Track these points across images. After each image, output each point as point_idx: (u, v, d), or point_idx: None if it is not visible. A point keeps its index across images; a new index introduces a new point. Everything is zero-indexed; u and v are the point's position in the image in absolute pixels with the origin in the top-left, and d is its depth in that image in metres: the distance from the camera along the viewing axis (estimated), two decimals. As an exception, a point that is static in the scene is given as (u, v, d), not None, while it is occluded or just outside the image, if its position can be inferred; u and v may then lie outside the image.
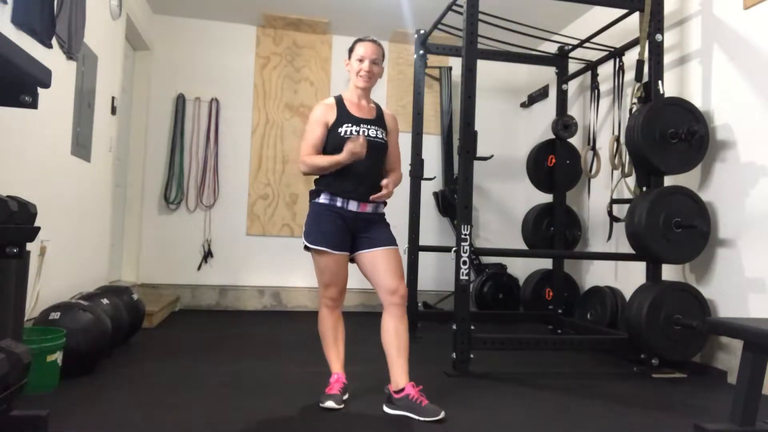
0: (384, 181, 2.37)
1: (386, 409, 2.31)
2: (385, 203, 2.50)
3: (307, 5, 4.89)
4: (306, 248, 2.41)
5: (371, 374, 2.75)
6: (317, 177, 2.45)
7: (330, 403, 2.25)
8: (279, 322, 4.60)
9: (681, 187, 3.19)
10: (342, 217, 2.36)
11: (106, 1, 3.81)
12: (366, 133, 2.38)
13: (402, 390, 2.27)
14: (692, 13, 3.50)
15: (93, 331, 2.63)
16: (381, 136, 2.45)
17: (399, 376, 2.30)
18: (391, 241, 2.42)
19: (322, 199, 2.39)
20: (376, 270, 2.37)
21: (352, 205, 2.37)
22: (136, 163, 5.01)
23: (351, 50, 2.46)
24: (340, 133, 2.37)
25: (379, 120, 2.49)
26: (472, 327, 3.04)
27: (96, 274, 3.88)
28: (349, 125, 2.39)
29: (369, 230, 2.41)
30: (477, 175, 4.92)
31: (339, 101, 2.46)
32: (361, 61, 2.41)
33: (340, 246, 2.36)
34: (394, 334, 2.33)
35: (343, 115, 2.42)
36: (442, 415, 2.19)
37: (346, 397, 2.38)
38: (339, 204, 2.37)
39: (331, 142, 2.38)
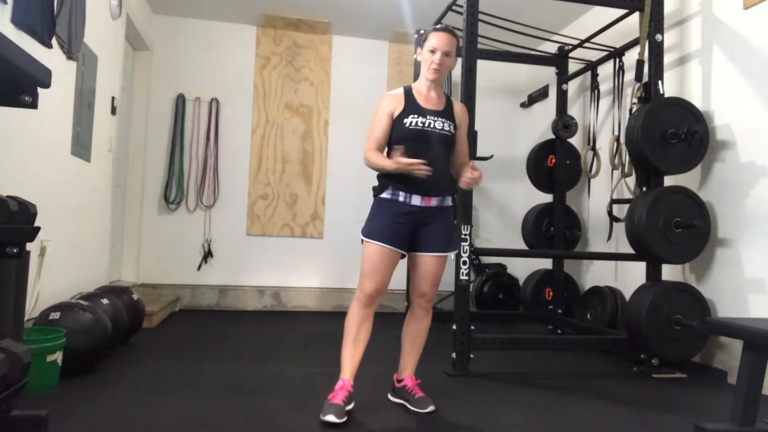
0: (472, 173, 2.29)
1: (390, 396, 2.48)
2: (454, 197, 2.45)
3: (307, 5, 4.89)
4: (362, 242, 2.34)
5: (370, 375, 2.75)
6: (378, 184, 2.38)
7: (330, 417, 2.08)
8: (279, 322, 4.59)
9: (681, 187, 3.19)
10: (403, 213, 2.28)
11: (106, 1, 3.81)
12: (432, 125, 2.30)
13: (402, 380, 2.43)
14: (692, 13, 3.50)
15: (93, 331, 2.63)
16: (448, 129, 2.34)
17: (405, 366, 2.46)
18: (446, 245, 2.37)
19: (385, 194, 2.30)
20: (420, 274, 2.37)
21: (416, 200, 2.28)
22: (136, 163, 5.01)
23: (424, 40, 2.36)
24: (406, 124, 2.29)
25: (447, 111, 2.39)
26: (472, 327, 3.04)
27: (96, 274, 3.88)
28: (416, 116, 2.30)
29: (430, 229, 2.33)
30: (477, 175, 4.94)
31: (407, 92, 2.38)
32: (433, 52, 2.31)
33: (391, 242, 2.27)
34: (413, 331, 2.46)
35: (411, 106, 2.33)
36: (431, 408, 2.31)
37: (350, 407, 2.21)
38: (401, 199, 2.28)
39: (396, 133, 2.32)
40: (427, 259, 2.34)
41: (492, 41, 4.15)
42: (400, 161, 2.17)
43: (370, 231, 2.30)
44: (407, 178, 2.24)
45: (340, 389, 2.21)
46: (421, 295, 2.40)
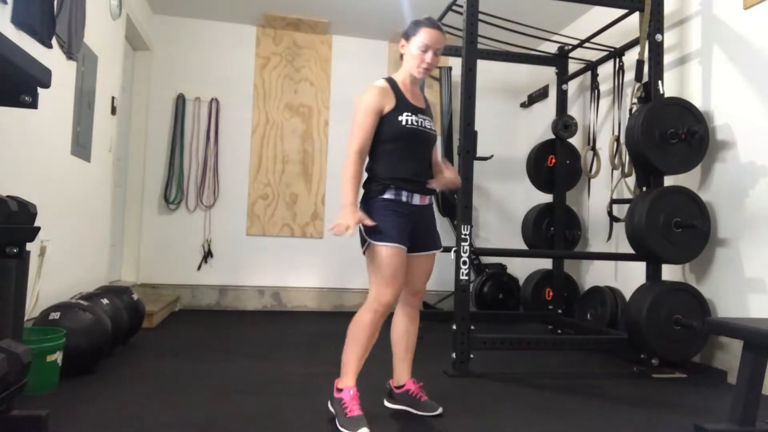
0: (452, 171, 2.36)
1: (387, 403, 2.37)
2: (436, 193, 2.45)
3: (307, 5, 4.89)
4: (364, 247, 2.19)
5: (369, 374, 2.75)
6: (376, 167, 2.22)
7: (365, 431, 1.98)
8: (279, 322, 4.60)
9: (681, 187, 3.19)
10: (407, 213, 2.20)
11: (106, 1, 3.81)
12: (423, 124, 2.23)
13: (403, 386, 2.33)
14: (692, 13, 3.50)
15: (93, 331, 2.63)
16: (432, 128, 2.30)
17: (402, 372, 2.35)
18: (438, 242, 2.37)
19: (388, 194, 2.17)
20: (417, 272, 2.31)
21: (416, 199, 2.22)
22: (136, 163, 5.01)
23: (411, 33, 2.22)
24: (402, 122, 2.18)
25: (428, 109, 2.36)
26: (472, 327, 3.04)
27: (96, 274, 3.88)
28: (410, 114, 2.20)
29: (425, 227, 2.29)
30: (477, 175, 4.92)
31: (393, 85, 2.24)
32: (424, 50, 2.19)
33: (404, 242, 2.18)
34: (405, 333, 2.35)
35: (402, 102, 2.22)
36: (439, 410, 2.26)
37: None
38: (404, 199, 2.19)
39: (389, 130, 2.18)
40: (424, 259, 2.32)
41: (492, 41, 4.15)
42: (357, 217, 2.06)
43: (384, 233, 2.13)
44: (410, 177, 2.20)
45: (353, 399, 2.08)
46: (415, 293, 2.34)
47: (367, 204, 2.20)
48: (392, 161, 2.20)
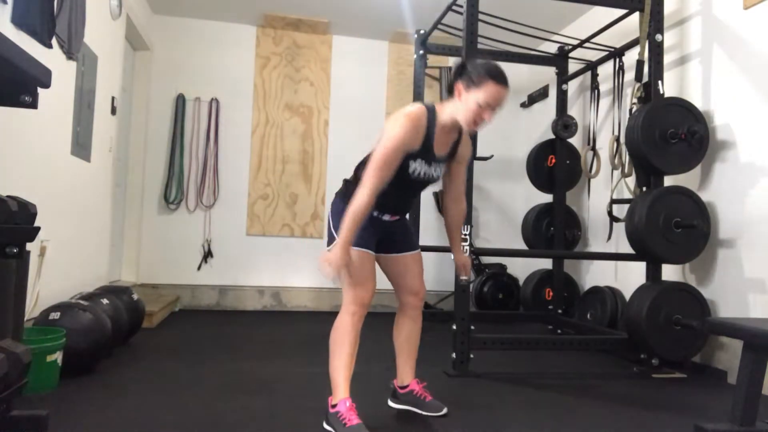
0: (464, 259, 2.40)
1: (390, 403, 2.37)
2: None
3: (307, 5, 4.89)
4: (328, 243, 2.16)
5: (367, 373, 2.75)
6: (353, 181, 2.14)
7: None
8: (279, 322, 4.59)
9: (681, 187, 3.19)
10: (373, 223, 2.16)
11: (106, 1, 3.81)
12: (430, 174, 2.13)
13: (407, 386, 2.33)
14: (692, 13, 3.50)
15: (93, 331, 2.63)
16: (437, 173, 2.17)
17: (406, 373, 2.35)
18: (417, 244, 2.36)
19: None
20: (408, 273, 2.29)
21: (386, 216, 2.21)
22: (136, 163, 5.01)
23: (475, 80, 1.96)
24: (410, 171, 2.06)
25: (452, 151, 2.19)
26: (472, 327, 3.04)
27: (96, 274, 3.88)
28: (423, 164, 2.07)
29: (396, 233, 2.28)
30: (477, 175, 4.92)
31: (430, 124, 2.04)
32: (484, 107, 1.96)
33: (371, 246, 2.16)
34: (409, 335, 2.34)
35: (425, 149, 2.05)
36: (444, 410, 2.26)
37: None
38: (375, 214, 2.15)
39: (396, 173, 2.03)
40: (409, 258, 2.31)
41: (492, 41, 4.15)
42: (344, 261, 1.95)
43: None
44: (381, 202, 2.08)
45: (350, 410, 2.01)
46: (414, 294, 2.32)
47: (339, 203, 2.16)
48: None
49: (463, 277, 2.47)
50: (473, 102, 1.97)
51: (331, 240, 2.15)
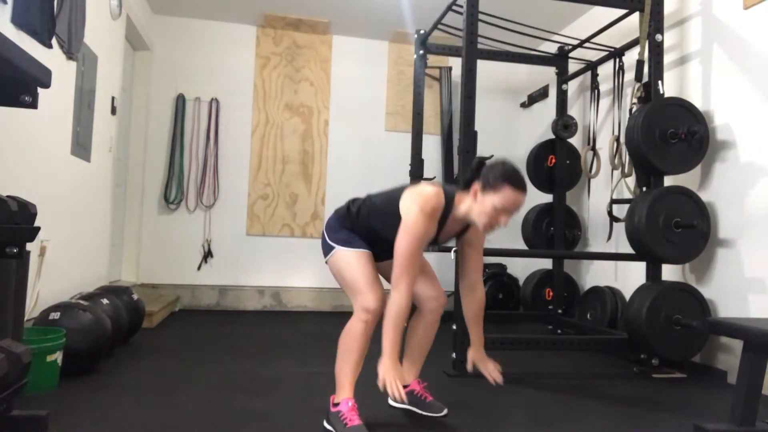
0: (484, 359, 2.19)
1: (391, 402, 2.35)
2: None
3: (307, 5, 4.89)
4: (327, 256, 2.14)
5: (367, 372, 2.74)
6: (362, 221, 2.11)
7: None
8: (279, 322, 4.60)
9: (681, 187, 3.19)
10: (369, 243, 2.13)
11: (106, 1, 3.81)
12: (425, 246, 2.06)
13: (408, 386, 2.31)
14: (692, 13, 3.50)
15: (93, 331, 2.63)
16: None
17: (409, 373, 2.33)
18: None
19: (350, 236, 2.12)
20: (419, 278, 2.17)
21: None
22: (136, 163, 5.01)
23: (493, 183, 1.91)
24: None
25: (456, 235, 2.18)
26: (472, 327, 3.03)
27: (96, 274, 3.88)
28: (428, 243, 2.07)
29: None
30: (477, 175, 4.93)
31: (445, 214, 2.01)
32: (503, 210, 1.91)
33: (365, 248, 2.11)
34: (422, 338, 2.30)
35: (435, 236, 2.05)
36: (445, 411, 2.24)
37: None
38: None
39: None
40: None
41: (492, 41, 4.15)
42: (397, 373, 1.86)
43: (350, 242, 2.08)
44: (372, 242, 2.09)
45: (351, 410, 2.00)
46: (432, 298, 2.24)
47: (335, 221, 2.16)
48: (373, 237, 2.10)
49: (494, 381, 2.16)
50: (489, 206, 1.92)
51: (326, 249, 2.14)
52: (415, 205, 1.93)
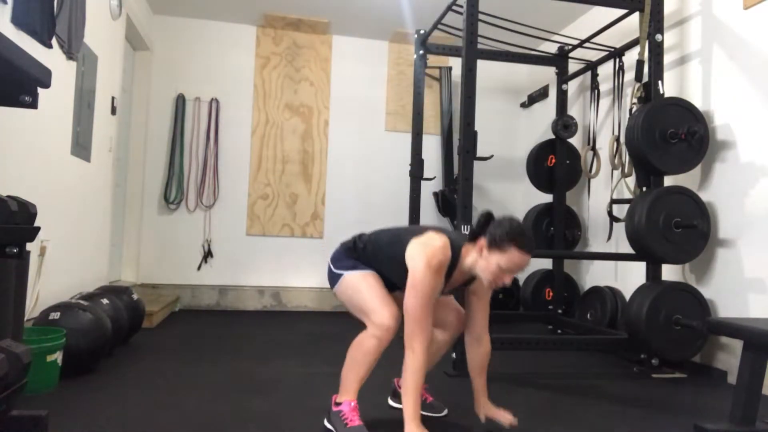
0: (492, 411, 2.13)
1: (390, 402, 2.36)
2: None
3: (307, 5, 4.89)
4: (335, 286, 2.12)
5: (372, 373, 2.74)
6: (371, 259, 2.09)
7: None
8: (279, 322, 4.59)
9: (681, 187, 3.19)
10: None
11: (106, 1, 3.81)
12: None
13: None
14: (692, 13, 3.50)
15: (93, 331, 2.63)
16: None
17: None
18: None
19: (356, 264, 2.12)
20: (442, 306, 2.19)
21: None
22: (136, 163, 5.01)
23: (501, 243, 1.87)
24: None
25: (462, 285, 2.16)
26: (472, 327, 3.03)
27: (96, 274, 3.88)
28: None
29: None
30: (477, 175, 4.93)
31: (451, 268, 1.99)
32: (508, 271, 1.89)
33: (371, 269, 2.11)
34: (436, 347, 2.22)
35: (442, 286, 2.01)
36: (445, 412, 2.25)
37: None
38: None
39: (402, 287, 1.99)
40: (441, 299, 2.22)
41: (492, 41, 4.15)
42: None
43: (354, 266, 2.08)
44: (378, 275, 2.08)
45: (353, 410, 1.99)
46: (457, 322, 2.19)
47: (341, 252, 2.16)
48: (378, 272, 2.09)
49: (509, 424, 2.10)
50: (495, 265, 1.88)
51: (333, 278, 2.13)
52: (422, 261, 1.88)
